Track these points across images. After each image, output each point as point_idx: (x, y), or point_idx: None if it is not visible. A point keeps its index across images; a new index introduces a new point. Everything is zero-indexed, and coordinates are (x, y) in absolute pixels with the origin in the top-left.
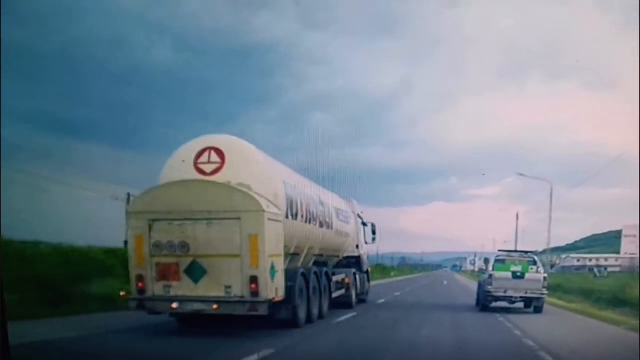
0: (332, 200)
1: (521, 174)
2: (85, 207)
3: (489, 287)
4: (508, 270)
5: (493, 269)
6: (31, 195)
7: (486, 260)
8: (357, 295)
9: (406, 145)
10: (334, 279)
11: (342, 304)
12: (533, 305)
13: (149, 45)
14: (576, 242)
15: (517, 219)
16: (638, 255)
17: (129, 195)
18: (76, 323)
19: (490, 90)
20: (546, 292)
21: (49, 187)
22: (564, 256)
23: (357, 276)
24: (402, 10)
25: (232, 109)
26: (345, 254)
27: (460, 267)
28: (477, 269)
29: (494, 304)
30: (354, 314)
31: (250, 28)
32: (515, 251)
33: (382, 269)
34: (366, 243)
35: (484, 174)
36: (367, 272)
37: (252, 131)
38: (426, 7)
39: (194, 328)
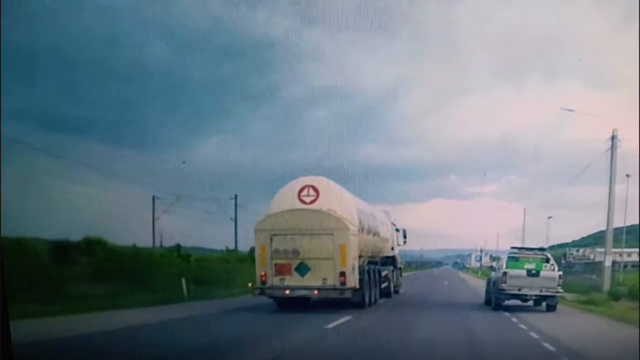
0: (378, 214)
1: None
2: (83, 204)
3: (503, 284)
4: (522, 267)
5: (506, 266)
6: (30, 193)
7: (494, 258)
8: (394, 287)
9: (405, 143)
10: (382, 274)
11: (384, 294)
12: (546, 303)
13: (146, 43)
14: (583, 238)
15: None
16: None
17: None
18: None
19: (489, 88)
20: (561, 291)
21: (48, 184)
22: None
23: (394, 272)
24: (400, 8)
25: (229, 106)
26: (385, 254)
27: (463, 264)
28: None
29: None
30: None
31: (247, 25)
32: (528, 248)
33: None
34: (398, 245)
35: (485, 174)
36: (399, 268)
37: (249, 128)
38: (425, 3)
39: (288, 308)
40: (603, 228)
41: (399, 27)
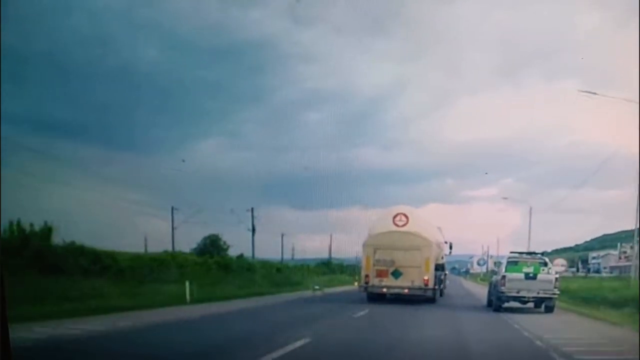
0: (436, 230)
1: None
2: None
3: (502, 287)
4: (520, 271)
5: (505, 270)
6: (27, 195)
7: (497, 263)
8: (444, 287)
9: (401, 146)
10: (440, 277)
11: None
12: (544, 305)
13: (139, 45)
14: (586, 242)
15: None
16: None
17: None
18: None
19: (486, 89)
20: (558, 293)
21: (44, 187)
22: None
23: (445, 276)
24: (396, 8)
25: (223, 108)
26: (439, 262)
27: (466, 270)
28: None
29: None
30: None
31: (240, 26)
32: (527, 253)
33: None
34: (445, 254)
35: (486, 173)
36: (446, 274)
37: (244, 131)
38: (421, 3)
39: (376, 301)
40: (608, 231)
41: (395, 28)
